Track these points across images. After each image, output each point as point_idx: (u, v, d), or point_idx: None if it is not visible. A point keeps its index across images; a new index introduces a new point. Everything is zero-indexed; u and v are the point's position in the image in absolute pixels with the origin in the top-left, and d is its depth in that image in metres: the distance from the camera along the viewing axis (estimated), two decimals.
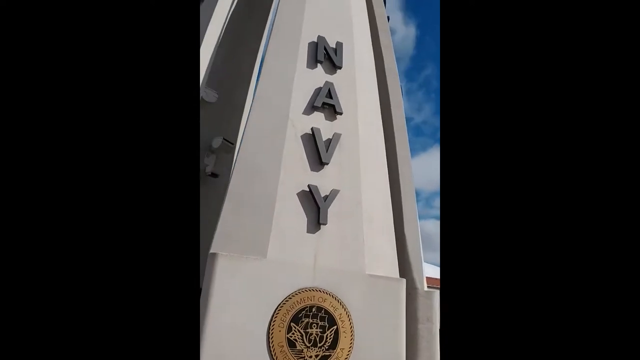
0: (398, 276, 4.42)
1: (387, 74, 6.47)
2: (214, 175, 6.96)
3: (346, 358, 3.81)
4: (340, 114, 4.78)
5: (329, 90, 4.78)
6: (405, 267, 5.52)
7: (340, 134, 4.64)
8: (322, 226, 4.15)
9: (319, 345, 3.74)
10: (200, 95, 5.30)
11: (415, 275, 5.26)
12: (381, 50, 6.57)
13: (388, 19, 7.12)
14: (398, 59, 7.03)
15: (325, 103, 4.74)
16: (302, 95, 4.72)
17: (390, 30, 6.98)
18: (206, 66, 5.47)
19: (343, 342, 3.84)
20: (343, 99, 4.87)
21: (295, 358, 3.64)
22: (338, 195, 4.34)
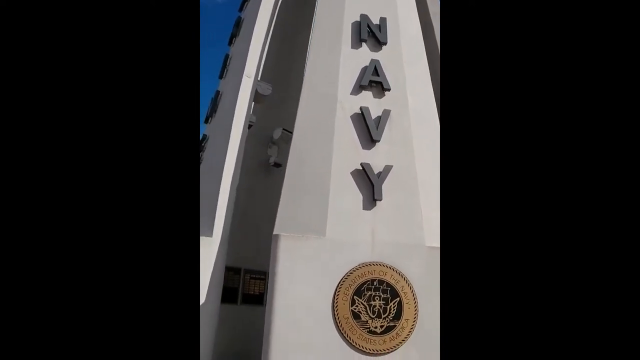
0: None
1: (438, 42, 6.26)
2: (277, 165, 7.30)
3: (412, 328, 3.89)
4: (389, 90, 4.78)
5: (375, 67, 4.80)
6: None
7: (390, 110, 4.65)
8: (377, 202, 4.23)
9: (383, 316, 3.86)
10: (255, 88, 5.59)
11: None
12: (430, 19, 6.36)
13: None
14: None
15: (373, 81, 4.77)
16: (349, 76, 4.79)
17: None
18: (257, 60, 5.74)
19: (407, 312, 3.92)
20: (390, 74, 4.85)
21: (361, 329, 3.80)
22: (392, 171, 4.38)
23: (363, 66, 4.82)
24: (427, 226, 4.29)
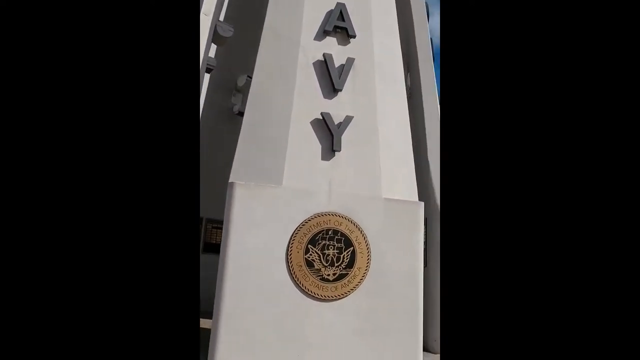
0: (417, 200, 4.43)
1: None
2: (241, 114, 7.08)
3: (363, 276, 3.99)
4: (354, 37, 4.60)
5: (341, 12, 4.57)
6: (428, 193, 5.50)
7: (354, 59, 4.50)
8: (336, 153, 4.19)
9: (336, 264, 3.94)
10: (216, 29, 5.27)
11: (438, 199, 5.23)
12: None
13: None
14: None
15: (338, 26, 4.56)
16: (312, 21, 4.56)
17: None
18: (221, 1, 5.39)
19: (360, 261, 4.00)
20: (357, 21, 4.65)
21: (313, 276, 3.87)
22: (353, 121, 4.31)
23: (328, 10, 4.59)
24: (386, 178, 4.31)
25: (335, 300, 3.90)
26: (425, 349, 5.27)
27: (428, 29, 6.12)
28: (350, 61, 4.47)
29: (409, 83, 6.53)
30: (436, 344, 4.95)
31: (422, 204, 4.36)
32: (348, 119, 4.28)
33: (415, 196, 4.49)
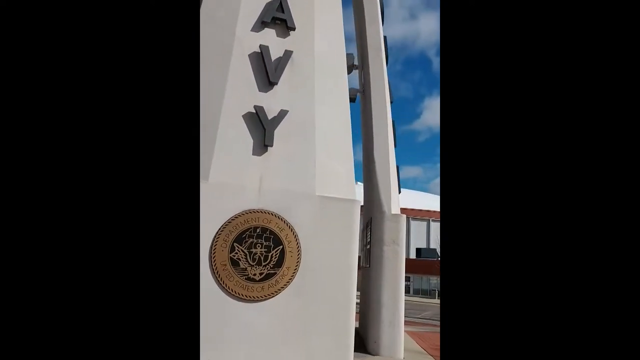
0: (354, 198, 4.32)
1: None
2: None
3: (292, 276, 3.85)
4: (293, 29, 4.46)
5: (281, 3, 4.42)
6: (375, 192, 5.41)
7: (292, 52, 4.35)
8: (268, 148, 4.03)
9: (263, 264, 3.78)
10: None
11: (383, 198, 5.15)
12: None
13: None
14: None
15: (276, 18, 4.41)
16: (250, 11, 4.40)
17: None
18: None
19: (289, 260, 3.86)
20: (297, 13, 4.51)
21: (238, 276, 3.70)
22: (288, 116, 4.16)
23: (268, 0, 4.43)
24: (321, 175, 4.19)
25: (262, 300, 3.74)
26: (366, 350, 5.18)
27: (380, 28, 6.03)
28: (288, 54, 4.33)
29: (363, 80, 6.44)
30: (376, 346, 4.86)
31: (359, 202, 4.25)
32: (283, 113, 4.13)
33: (353, 194, 4.38)
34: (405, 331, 7.63)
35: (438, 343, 6.52)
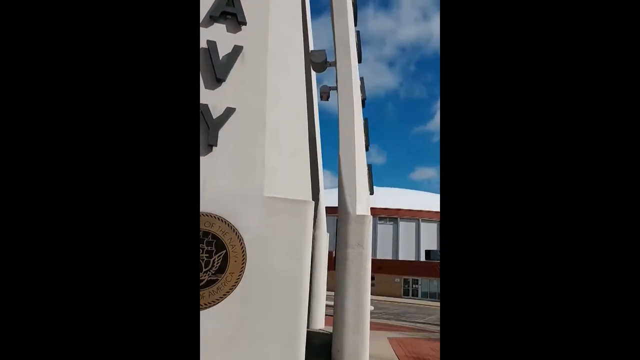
0: (308, 199, 4.12)
1: None
2: None
3: (236, 281, 3.66)
4: (244, 24, 4.29)
5: None
6: (342, 194, 5.19)
7: (242, 47, 4.18)
8: (213, 148, 3.86)
9: (204, 270, 3.60)
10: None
11: (348, 199, 4.93)
12: None
13: None
14: None
15: (226, 12, 4.24)
16: (200, 5, 4.24)
17: None
18: None
19: (233, 266, 3.67)
20: (249, 8, 4.34)
21: None
22: (236, 114, 3.99)
23: None
24: (271, 176, 4.00)
25: (205, 308, 3.56)
26: (329, 359, 4.96)
27: (349, 22, 5.82)
28: (237, 49, 4.16)
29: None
30: (339, 355, 4.62)
31: (312, 203, 4.05)
32: (229, 111, 3.96)
33: (308, 195, 4.18)
34: (389, 337, 7.39)
35: (419, 350, 6.26)
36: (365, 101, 6.46)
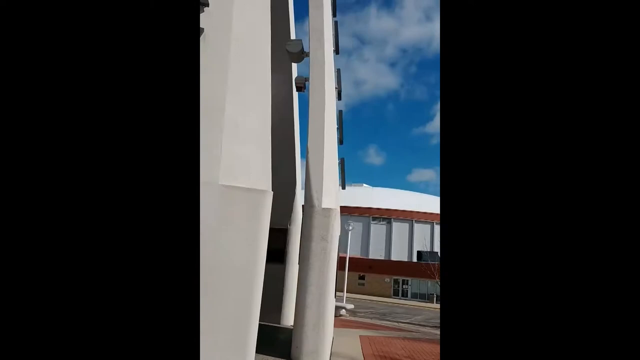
0: (267, 189, 3.98)
1: None
2: None
3: None
4: (206, 5, 4.14)
5: None
6: (309, 187, 5.07)
7: (203, 29, 4.04)
8: None
9: None
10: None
11: (314, 191, 4.80)
12: None
13: None
14: None
15: None
16: None
17: None
18: None
19: None
20: None
21: None
22: None
23: None
24: (228, 164, 3.86)
25: None
26: (289, 355, 4.83)
27: (325, 12, 5.68)
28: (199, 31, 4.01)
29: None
30: (298, 351, 4.50)
31: (270, 193, 3.92)
32: None
33: (267, 185, 4.05)
34: (361, 335, 7.27)
35: (388, 349, 6.14)
36: (341, 93, 6.33)
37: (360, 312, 16.23)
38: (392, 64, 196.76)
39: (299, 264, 4.73)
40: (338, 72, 6.28)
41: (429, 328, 11.66)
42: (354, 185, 60.69)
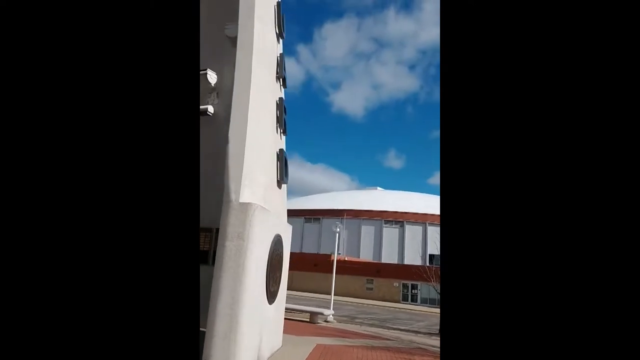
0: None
1: None
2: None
3: None
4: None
5: None
6: (227, 185, 4.56)
7: None
8: None
9: None
10: None
11: (232, 184, 4.29)
12: None
13: None
14: None
15: None
16: None
17: None
18: None
19: None
20: None
21: None
22: None
23: None
24: None
25: None
26: None
27: (255, 16, 5.17)
28: None
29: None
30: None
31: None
32: None
33: None
34: (318, 344, 6.67)
35: (338, 359, 5.55)
36: (287, 81, 5.81)
37: (359, 318, 15.60)
38: (412, 66, 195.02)
39: (214, 265, 4.23)
40: (281, 57, 5.77)
41: (421, 336, 10.94)
42: (368, 189, 59.92)
